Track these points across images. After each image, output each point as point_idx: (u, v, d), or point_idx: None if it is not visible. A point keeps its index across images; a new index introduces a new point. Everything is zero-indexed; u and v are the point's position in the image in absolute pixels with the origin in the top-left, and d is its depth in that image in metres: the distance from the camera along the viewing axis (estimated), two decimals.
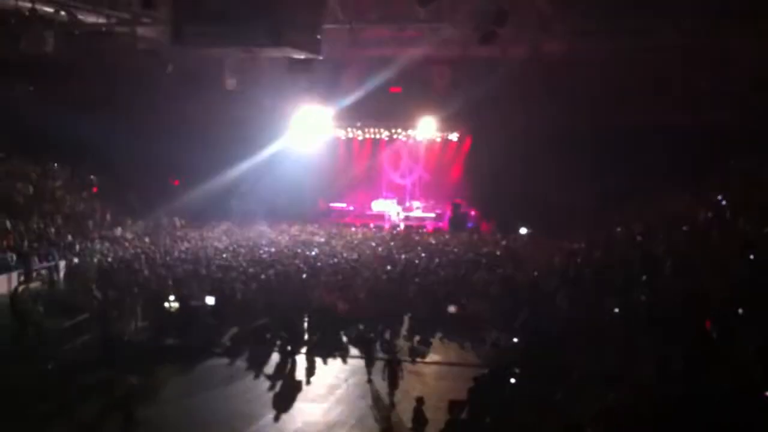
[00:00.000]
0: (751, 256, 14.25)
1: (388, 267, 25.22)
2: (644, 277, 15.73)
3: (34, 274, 23.96)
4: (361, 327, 20.53)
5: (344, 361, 19.04)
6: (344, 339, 20.24)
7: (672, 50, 26.82)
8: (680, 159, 27.68)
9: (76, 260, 25.46)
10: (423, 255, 27.77)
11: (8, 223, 25.76)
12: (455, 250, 28.94)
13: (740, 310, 11.82)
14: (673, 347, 11.06)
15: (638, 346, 11.99)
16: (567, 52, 27.98)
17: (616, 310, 14.55)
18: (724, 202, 19.38)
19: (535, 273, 22.73)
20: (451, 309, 20.84)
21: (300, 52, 22.44)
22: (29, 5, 22.99)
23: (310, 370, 18.24)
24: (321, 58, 23.62)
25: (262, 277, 23.46)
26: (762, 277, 12.99)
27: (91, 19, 25.59)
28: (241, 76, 32.45)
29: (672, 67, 28.23)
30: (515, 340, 16.69)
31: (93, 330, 19.73)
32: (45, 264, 24.70)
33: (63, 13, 24.54)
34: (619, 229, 23.79)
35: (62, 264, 25.08)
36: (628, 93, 30.16)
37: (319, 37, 22.03)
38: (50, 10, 24.16)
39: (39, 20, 23.70)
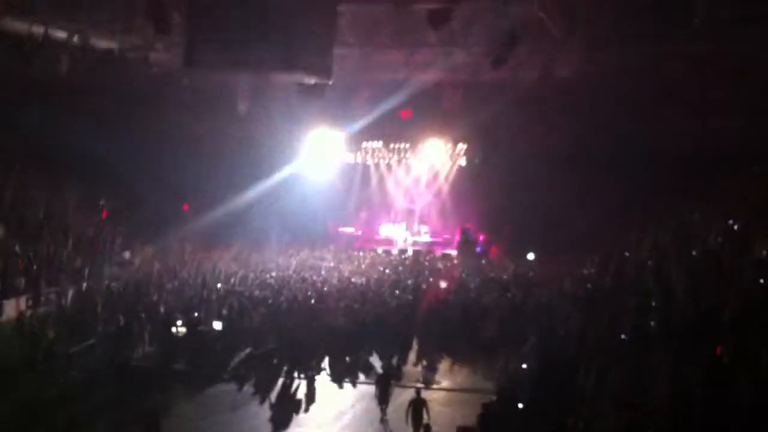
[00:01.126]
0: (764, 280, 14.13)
1: (397, 292, 25.13)
2: (655, 301, 15.57)
3: (43, 299, 23.92)
4: (368, 352, 20.48)
5: (352, 386, 18.92)
6: (352, 364, 20.14)
7: (684, 61, 26.63)
8: (694, 170, 27.47)
9: (84, 284, 25.41)
10: (431, 280, 27.69)
11: (17, 248, 25.74)
12: (464, 274, 28.83)
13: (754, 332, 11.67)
14: (688, 370, 10.91)
15: (651, 369, 11.83)
16: (578, 71, 27.93)
17: (626, 335, 14.38)
18: (735, 226, 19.23)
19: (545, 298, 22.57)
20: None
21: (311, 77, 22.53)
22: (43, 30, 23.17)
23: (318, 396, 18.11)
24: (331, 82, 23.70)
25: (270, 302, 23.41)
26: None
27: (104, 44, 25.76)
28: (253, 99, 32.58)
29: (685, 78, 28.02)
30: (525, 366, 16.49)
31: (101, 354, 19.68)
32: (54, 288, 24.64)
33: (76, 38, 24.74)
34: (628, 254, 23.61)
35: (71, 288, 25.00)
36: (640, 109, 29.98)
37: (329, 61, 22.10)
38: (64, 34, 24.36)
39: (52, 44, 23.91)
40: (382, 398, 16.53)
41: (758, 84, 25.93)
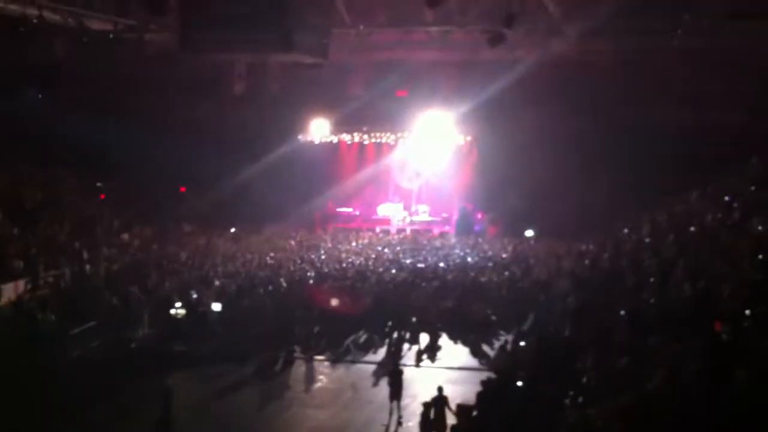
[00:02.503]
0: (762, 256, 14.12)
1: (395, 271, 25.18)
2: (653, 279, 15.59)
3: (42, 281, 23.92)
4: (367, 332, 20.59)
5: (351, 366, 19.01)
6: (351, 344, 20.24)
7: (681, 51, 26.65)
8: (689, 160, 27.53)
9: (83, 267, 25.40)
10: (430, 259, 27.75)
11: (15, 230, 25.71)
12: (462, 253, 28.89)
13: (752, 311, 11.69)
14: (686, 348, 10.93)
15: (649, 347, 11.86)
16: (575, 54, 27.85)
17: (626, 312, 14.41)
18: (734, 204, 19.22)
19: (544, 276, 22.63)
20: None
21: (308, 57, 22.42)
22: (37, 13, 23.02)
23: (317, 376, 18.22)
24: (327, 62, 23.61)
25: (269, 282, 23.46)
26: None
27: (98, 26, 25.61)
28: (249, 80, 32.44)
29: (681, 67, 28.06)
30: (523, 343, 16.55)
31: (101, 336, 19.74)
32: (52, 271, 24.64)
33: (71, 20, 24.60)
34: (627, 231, 23.64)
35: (70, 271, 24.99)
36: (636, 94, 30.01)
37: (326, 41, 22.00)
38: (58, 17, 24.21)
39: (47, 27, 23.76)
40: (394, 394, 15.66)
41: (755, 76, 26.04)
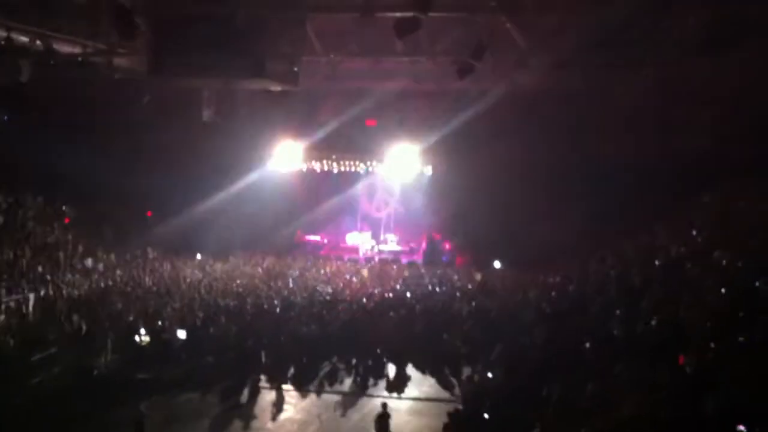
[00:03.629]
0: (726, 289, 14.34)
1: (363, 300, 25.14)
2: (619, 311, 15.75)
3: (3, 306, 23.52)
4: (335, 361, 20.48)
5: (318, 396, 18.88)
6: (318, 373, 20.11)
7: (647, 81, 27.10)
8: (656, 189, 27.95)
9: (46, 292, 25.04)
10: (398, 288, 27.74)
11: None
12: (430, 283, 28.91)
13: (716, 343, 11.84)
14: (652, 379, 11.05)
15: (617, 378, 11.96)
16: (542, 85, 28.22)
17: (590, 343, 14.52)
18: (698, 237, 19.57)
19: (511, 306, 22.71)
20: None
21: (278, 84, 22.47)
22: (4, 34, 22.79)
23: (283, 405, 18.06)
24: (298, 89, 23.69)
25: (235, 310, 23.30)
26: (739, 308, 13.04)
27: (67, 49, 25.42)
28: (218, 107, 32.34)
29: (647, 98, 28.48)
30: (490, 374, 16.57)
31: (64, 363, 19.43)
32: (14, 296, 24.25)
33: (39, 42, 24.39)
34: (593, 262, 23.88)
35: (32, 296, 24.61)
36: (602, 124, 30.37)
37: (296, 69, 22.08)
38: (26, 39, 23.99)
39: (14, 50, 23.52)
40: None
41: (719, 105, 26.53)
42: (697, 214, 21.97)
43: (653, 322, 13.99)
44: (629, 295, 16.67)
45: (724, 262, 16.41)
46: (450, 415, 13.77)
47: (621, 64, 25.75)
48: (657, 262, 19.25)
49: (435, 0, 17.50)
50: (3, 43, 22.90)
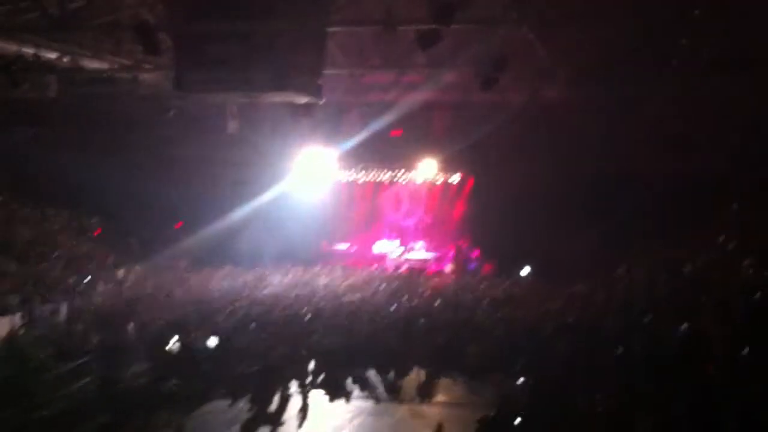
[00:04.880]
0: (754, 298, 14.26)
1: (391, 308, 25.23)
2: (644, 322, 15.72)
3: (36, 317, 23.92)
4: (363, 368, 20.58)
5: (348, 402, 18.99)
6: (347, 380, 20.21)
7: (670, 99, 27.00)
8: (680, 204, 27.78)
9: (77, 303, 25.42)
10: (425, 296, 27.78)
11: (9, 266, 25.78)
12: (457, 291, 28.93)
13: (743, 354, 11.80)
14: (677, 392, 11.05)
15: (642, 390, 11.96)
16: (566, 98, 28.21)
17: (615, 354, 14.52)
18: (723, 248, 19.44)
19: (537, 317, 22.69)
20: None
21: (301, 97, 22.66)
22: (33, 51, 23.27)
23: (313, 413, 18.18)
24: (321, 102, 23.87)
25: (264, 319, 23.47)
26: (764, 321, 12.98)
27: (93, 65, 25.90)
28: (243, 119, 32.66)
29: (670, 115, 28.37)
30: (519, 381, 16.60)
31: (93, 373, 19.68)
32: (46, 307, 24.64)
33: (66, 59, 24.87)
34: (618, 273, 23.77)
35: (62, 307, 25.01)
36: (627, 139, 30.29)
37: (320, 82, 22.25)
38: (53, 56, 24.47)
39: (42, 66, 24.00)
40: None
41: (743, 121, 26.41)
42: (722, 226, 21.79)
43: (678, 334, 13.96)
44: (654, 307, 16.62)
45: (750, 272, 16.34)
46: (481, 421, 13.81)
47: (644, 79, 25.68)
48: (682, 274, 19.17)
49: (457, 12, 17.58)
50: (31, 59, 23.42)
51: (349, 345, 21.53)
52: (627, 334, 15.46)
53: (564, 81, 26.78)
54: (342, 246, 40.34)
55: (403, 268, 36.77)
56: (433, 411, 18.05)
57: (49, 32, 22.71)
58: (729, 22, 21.89)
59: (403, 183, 39.50)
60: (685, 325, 14.04)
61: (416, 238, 40.22)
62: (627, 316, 16.91)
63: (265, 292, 28.77)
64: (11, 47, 23.00)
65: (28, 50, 23.29)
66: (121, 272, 29.91)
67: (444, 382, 20.11)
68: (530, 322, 21.99)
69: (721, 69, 23.22)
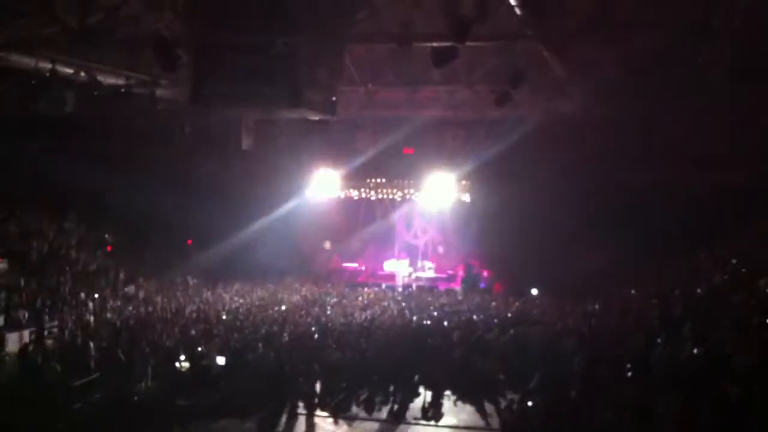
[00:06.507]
0: None
1: (400, 328, 25.08)
2: (661, 340, 15.55)
3: (46, 332, 23.89)
4: (371, 388, 20.41)
5: (354, 423, 18.82)
6: (355, 400, 20.06)
7: (686, 112, 26.90)
8: (696, 220, 27.63)
9: (88, 318, 25.37)
10: (435, 315, 27.64)
11: (22, 281, 25.81)
12: (468, 311, 28.78)
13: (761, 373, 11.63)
14: (694, 410, 10.89)
15: (657, 409, 11.80)
16: (580, 113, 28.13)
17: (634, 372, 14.36)
18: (741, 265, 19.27)
19: (550, 335, 22.51)
20: None
21: (316, 113, 22.66)
22: (50, 66, 23.37)
23: None
24: (335, 119, 23.88)
25: (273, 336, 23.37)
26: None
27: (110, 80, 26.00)
28: (258, 135, 32.74)
29: (687, 128, 28.28)
30: (530, 403, 16.41)
31: (104, 389, 19.60)
32: (57, 322, 24.62)
33: (83, 74, 24.98)
34: (634, 291, 23.61)
35: (74, 322, 24.95)
36: (643, 153, 30.22)
37: (334, 98, 22.26)
38: (70, 71, 24.58)
39: (59, 81, 24.10)
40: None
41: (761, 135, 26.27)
42: (740, 242, 21.64)
43: (695, 352, 13.80)
44: (670, 324, 16.45)
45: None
46: None
47: (660, 94, 25.59)
48: (699, 291, 19.00)
49: (472, 29, 17.54)
50: (48, 74, 23.53)
51: (356, 363, 21.37)
52: (643, 352, 15.30)
53: (579, 96, 26.68)
54: (352, 264, 40.32)
55: (413, 288, 36.72)
56: None
57: (67, 47, 22.77)
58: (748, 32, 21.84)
59: (415, 201, 39.42)
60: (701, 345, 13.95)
61: (426, 257, 40.19)
62: (643, 334, 16.73)
63: (275, 308, 28.68)
64: (29, 62, 23.12)
65: (46, 65, 23.41)
66: (131, 288, 29.88)
67: (452, 403, 19.92)
68: (543, 340, 21.79)
69: (742, 79, 23.06)
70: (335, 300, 31.50)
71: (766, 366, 11.66)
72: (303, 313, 27.91)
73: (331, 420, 18.91)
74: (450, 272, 38.93)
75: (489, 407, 19.25)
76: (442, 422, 18.73)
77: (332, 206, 39.90)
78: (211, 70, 20.72)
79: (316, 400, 19.82)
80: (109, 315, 25.91)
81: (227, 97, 21.02)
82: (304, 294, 32.92)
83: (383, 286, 37.30)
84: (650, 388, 12.94)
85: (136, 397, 19.69)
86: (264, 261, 35.99)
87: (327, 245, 37.68)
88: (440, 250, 40.47)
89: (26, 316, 24.23)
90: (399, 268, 39.25)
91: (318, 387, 20.50)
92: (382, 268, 40.05)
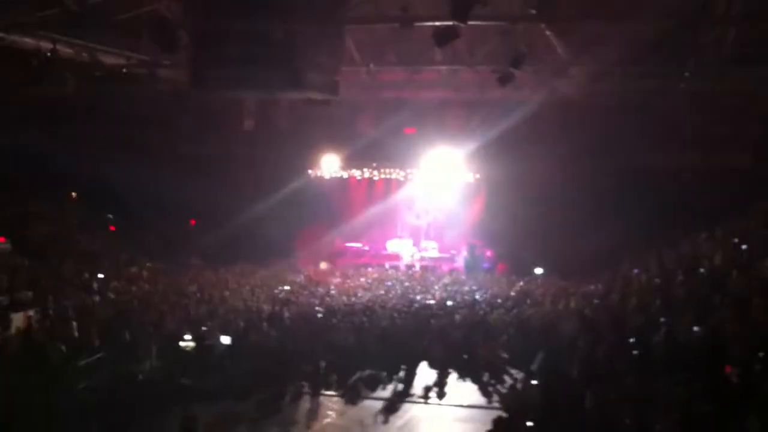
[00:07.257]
0: None
1: (403, 308, 25.17)
2: (662, 320, 15.60)
3: (50, 312, 23.97)
4: (375, 368, 20.52)
5: (359, 402, 18.92)
6: (359, 380, 20.17)
7: (687, 94, 26.83)
8: (697, 202, 27.65)
9: (92, 298, 25.45)
10: (438, 295, 27.73)
11: (25, 262, 25.88)
12: (471, 291, 28.86)
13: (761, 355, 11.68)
14: (694, 391, 10.95)
15: (659, 388, 11.86)
16: (583, 94, 28.04)
17: (635, 353, 14.42)
18: (743, 246, 19.26)
19: (553, 315, 22.59)
20: None
21: (318, 94, 22.60)
22: (51, 46, 23.29)
23: (325, 412, 18.13)
24: (338, 99, 23.82)
25: (276, 317, 23.46)
26: None
27: (111, 60, 25.92)
28: (260, 116, 32.70)
29: (688, 111, 28.24)
30: (534, 382, 16.49)
31: (108, 369, 19.69)
32: (61, 302, 24.69)
33: (84, 54, 24.91)
34: (636, 271, 23.64)
35: (78, 302, 25.03)
36: (644, 136, 30.19)
37: (336, 79, 22.19)
38: (71, 51, 24.51)
39: (60, 62, 24.03)
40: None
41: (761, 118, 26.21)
42: (741, 225, 21.63)
43: (696, 334, 13.85)
44: (672, 306, 16.50)
45: None
46: (495, 422, 13.71)
47: (661, 76, 25.51)
48: (700, 272, 19.03)
49: (473, 9, 17.45)
50: (49, 55, 23.44)
51: (360, 344, 21.48)
52: (644, 334, 15.35)
53: (581, 77, 26.59)
54: (355, 244, 40.37)
55: (416, 268, 36.80)
56: (444, 412, 17.99)
57: (68, 28, 22.68)
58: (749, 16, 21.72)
59: (417, 181, 39.40)
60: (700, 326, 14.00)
61: (429, 238, 40.21)
62: (644, 315, 16.78)
63: (278, 289, 28.77)
64: (29, 43, 23.04)
65: (46, 45, 23.33)
66: (134, 269, 29.95)
67: (455, 382, 20.05)
68: (545, 321, 21.88)
69: (742, 63, 22.97)
70: (338, 280, 31.59)
71: (766, 347, 11.70)
72: (306, 293, 28.01)
73: (335, 399, 19.02)
74: (453, 252, 38.97)
75: (492, 387, 19.41)
76: (445, 401, 18.85)
77: (335, 187, 39.93)
78: (211, 51, 20.63)
79: (321, 380, 19.94)
80: (112, 295, 25.96)
81: (228, 79, 20.96)
82: (307, 274, 33.01)
83: (387, 266, 37.39)
84: (650, 370, 12.99)
85: (140, 377, 19.79)
86: (267, 242, 36.00)
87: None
88: (443, 230, 40.45)
89: (30, 296, 24.30)
90: (402, 249, 39.30)
91: (322, 366, 20.64)
92: (385, 249, 40.11)
